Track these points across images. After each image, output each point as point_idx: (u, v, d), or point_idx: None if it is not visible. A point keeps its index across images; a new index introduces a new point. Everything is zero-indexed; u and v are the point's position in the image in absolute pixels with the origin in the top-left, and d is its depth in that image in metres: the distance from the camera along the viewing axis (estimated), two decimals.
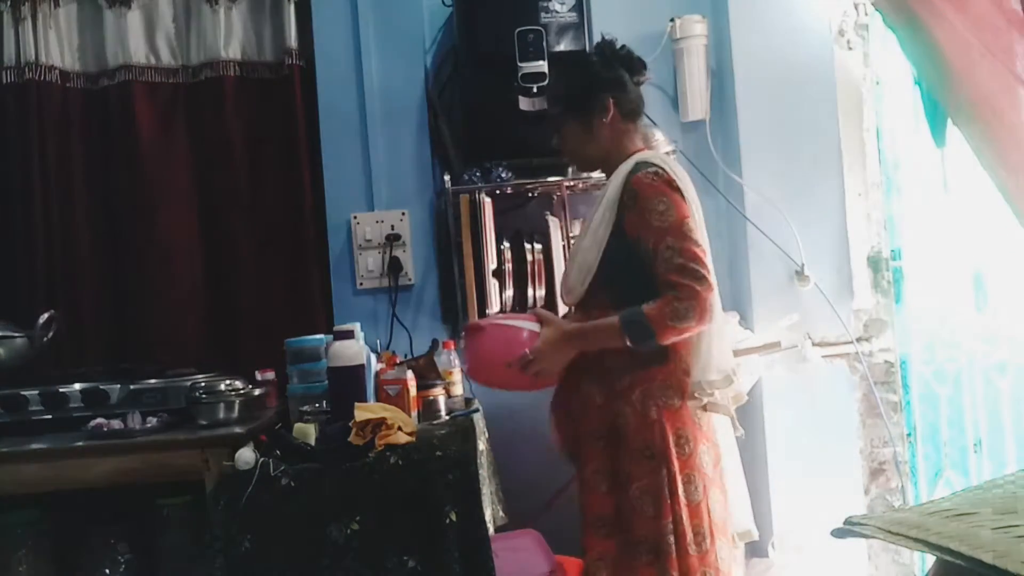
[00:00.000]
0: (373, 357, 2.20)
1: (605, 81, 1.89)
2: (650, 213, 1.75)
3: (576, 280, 1.86)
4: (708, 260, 1.76)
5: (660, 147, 2.52)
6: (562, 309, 2.23)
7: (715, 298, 1.78)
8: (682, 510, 1.74)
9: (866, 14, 2.77)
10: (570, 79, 1.98)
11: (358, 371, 1.87)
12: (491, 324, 2.03)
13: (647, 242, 1.76)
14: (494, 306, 2.47)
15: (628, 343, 1.73)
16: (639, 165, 1.81)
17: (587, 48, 2.53)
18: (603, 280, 1.82)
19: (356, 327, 2.14)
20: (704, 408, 1.83)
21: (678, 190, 1.79)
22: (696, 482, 1.76)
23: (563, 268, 2.13)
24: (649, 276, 1.75)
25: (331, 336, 1.99)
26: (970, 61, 2.14)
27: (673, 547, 1.72)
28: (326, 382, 2.04)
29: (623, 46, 1.95)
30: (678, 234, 1.74)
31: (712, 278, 1.74)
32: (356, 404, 1.81)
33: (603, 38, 1.97)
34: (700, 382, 1.81)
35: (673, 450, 1.75)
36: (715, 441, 1.85)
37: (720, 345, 1.86)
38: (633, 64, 1.93)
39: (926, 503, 1.12)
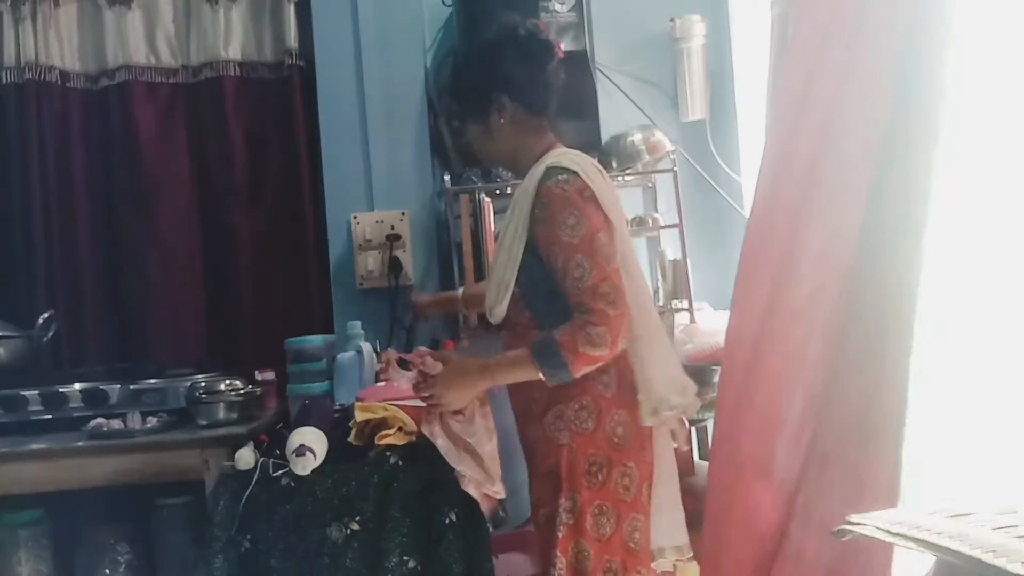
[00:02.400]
0: (374, 357, 2.21)
1: (500, 76, 1.70)
2: (559, 227, 1.58)
3: (494, 299, 1.69)
4: (622, 279, 1.59)
5: (656, 148, 2.53)
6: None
7: (651, 319, 1.67)
8: (589, 545, 1.59)
9: None
10: (462, 75, 1.81)
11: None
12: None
13: (555, 260, 1.59)
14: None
15: (539, 373, 1.57)
16: (549, 171, 1.62)
17: (588, 48, 2.53)
18: (523, 299, 1.67)
19: (356, 325, 2.15)
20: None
21: (591, 199, 1.60)
22: (608, 513, 1.60)
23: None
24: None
25: (331, 336, 1.99)
26: None
27: None
28: (326, 382, 2.04)
29: (527, 28, 1.72)
30: (588, 251, 1.56)
31: (626, 300, 1.57)
32: (357, 404, 1.81)
33: (504, 22, 1.75)
34: (663, 402, 1.64)
35: (582, 479, 1.60)
36: (640, 459, 1.66)
37: (668, 356, 1.72)
38: (537, 49, 1.71)
39: (926, 503, 1.12)
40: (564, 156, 1.67)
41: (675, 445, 1.78)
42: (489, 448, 1.75)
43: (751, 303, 1.76)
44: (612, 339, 1.54)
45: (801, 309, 1.69)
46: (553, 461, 1.63)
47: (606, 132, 2.56)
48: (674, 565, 1.77)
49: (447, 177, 2.54)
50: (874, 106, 1.62)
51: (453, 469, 1.68)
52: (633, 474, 1.64)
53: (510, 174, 2.52)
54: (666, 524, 1.71)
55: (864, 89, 1.63)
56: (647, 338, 1.66)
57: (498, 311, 1.69)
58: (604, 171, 1.73)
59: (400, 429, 1.77)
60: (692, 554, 1.76)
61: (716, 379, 2.37)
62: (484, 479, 1.68)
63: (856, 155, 1.65)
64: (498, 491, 1.70)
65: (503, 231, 1.72)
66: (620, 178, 2.62)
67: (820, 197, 1.70)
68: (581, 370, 1.57)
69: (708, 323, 2.53)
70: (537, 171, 1.65)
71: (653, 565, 1.70)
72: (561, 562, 1.58)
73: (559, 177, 1.61)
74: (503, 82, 1.70)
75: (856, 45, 1.63)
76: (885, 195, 1.62)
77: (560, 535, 1.59)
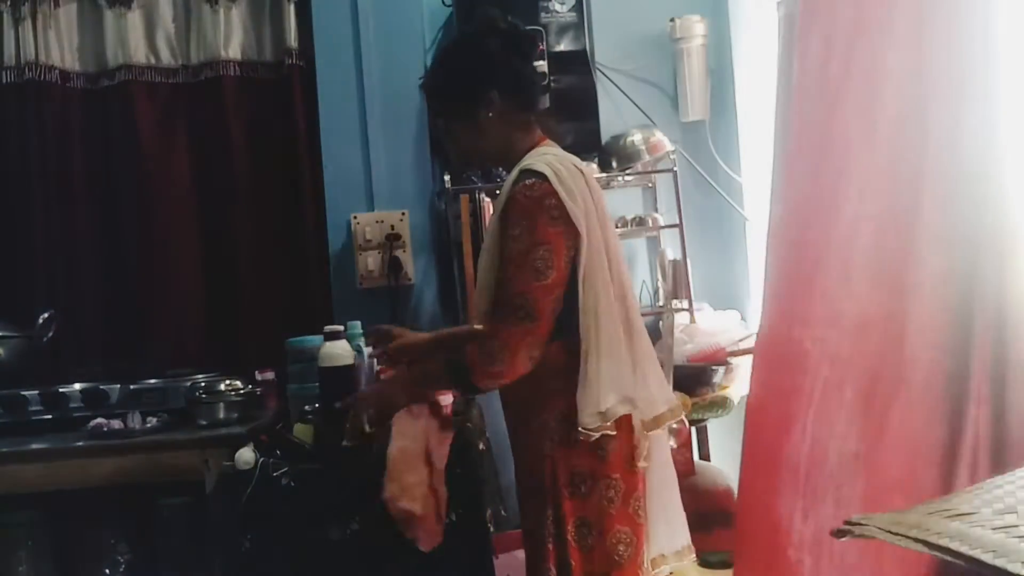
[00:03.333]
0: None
1: (486, 71, 1.64)
2: (508, 235, 1.53)
3: (479, 301, 1.63)
4: (550, 298, 1.51)
5: (657, 148, 2.53)
6: None
7: (613, 328, 1.56)
8: (572, 555, 1.55)
9: None
10: (447, 71, 1.73)
11: (346, 371, 1.85)
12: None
13: (500, 268, 1.56)
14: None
15: (452, 387, 1.59)
16: (521, 174, 1.56)
17: (588, 48, 2.53)
18: (494, 302, 1.59)
19: (356, 325, 2.15)
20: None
21: (552, 207, 1.52)
22: (591, 525, 1.56)
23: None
24: None
25: None
26: None
27: None
28: None
29: (508, 22, 1.68)
30: (521, 263, 1.51)
31: (546, 315, 1.50)
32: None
33: (484, 16, 1.70)
34: (646, 419, 1.59)
35: (564, 491, 1.56)
36: (627, 471, 1.59)
37: (657, 374, 1.65)
38: (521, 42, 1.67)
39: (926, 503, 1.12)
40: (541, 157, 1.59)
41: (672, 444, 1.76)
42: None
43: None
44: (511, 354, 1.50)
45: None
46: (538, 473, 1.59)
47: (606, 132, 2.56)
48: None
49: (447, 177, 2.54)
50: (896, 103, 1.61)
51: (453, 469, 1.68)
52: (618, 486, 1.58)
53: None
54: (665, 531, 1.68)
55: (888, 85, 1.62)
56: (589, 356, 1.55)
57: (482, 314, 1.62)
58: (585, 171, 1.63)
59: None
60: (694, 555, 1.74)
61: (716, 379, 2.38)
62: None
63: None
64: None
65: (486, 235, 1.69)
66: (620, 178, 2.62)
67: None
68: (487, 386, 1.55)
69: (708, 323, 2.53)
70: (513, 175, 1.60)
71: (655, 572, 1.66)
72: (551, 570, 1.56)
73: (526, 181, 1.55)
74: (491, 76, 1.64)
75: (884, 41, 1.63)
76: None
77: (549, 547, 1.56)
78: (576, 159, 1.66)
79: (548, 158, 1.59)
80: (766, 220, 1.93)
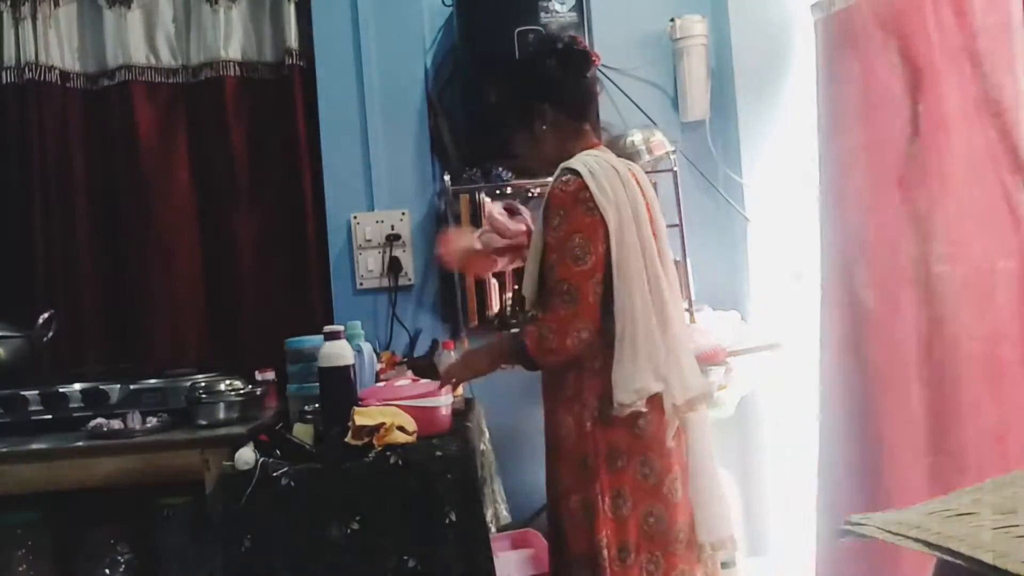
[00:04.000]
0: (374, 357, 2.21)
1: (540, 87, 1.82)
2: (549, 226, 1.71)
3: (526, 288, 1.84)
4: (590, 282, 1.67)
5: (657, 148, 2.53)
6: None
7: (633, 315, 1.67)
8: (607, 525, 1.69)
9: None
10: (505, 87, 1.92)
11: (347, 371, 1.86)
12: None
13: (545, 258, 1.73)
14: (494, 306, 2.48)
15: (513, 363, 1.76)
16: (560, 172, 1.75)
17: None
18: (543, 290, 1.77)
19: (356, 325, 2.15)
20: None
21: (584, 200, 1.68)
22: (625, 496, 1.70)
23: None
24: None
25: None
26: None
27: (607, 562, 1.68)
28: None
29: (565, 41, 1.85)
30: (560, 251, 1.68)
31: (588, 299, 1.66)
32: (355, 408, 1.81)
33: (541, 34, 1.91)
34: (678, 402, 1.70)
35: (604, 465, 1.70)
36: (661, 451, 1.73)
37: (690, 361, 1.77)
38: (575, 60, 1.83)
39: (926, 503, 1.12)
40: (580, 157, 1.75)
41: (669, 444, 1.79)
42: None
43: None
44: (560, 336, 1.67)
45: None
46: (581, 448, 1.71)
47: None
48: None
49: (447, 177, 2.54)
50: None
51: (453, 469, 1.69)
52: (653, 464, 1.72)
53: (510, 174, 2.53)
54: (705, 518, 1.76)
55: None
56: (623, 342, 1.68)
57: (530, 299, 1.82)
58: (623, 172, 1.76)
59: (400, 429, 1.77)
60: (735, 548, 1.81)
61: (716, 379, 2.38)
62: None
63: None
64: None
65: (534, 231, 1.86)
66: None
67: None
68: (546, 364, 1.73)
69: (708, 323, 2.53)
70: (556, 174, 1.76)
71: (704, 556, 1.76)
72: (606, 542, 1.68)
73: (563, 178, 1.72)
74: (544, 91, 1.81)
75: None
76: None
77: (598, 518, 1.68)
78: (619, 161, 1.80)
79: (587, 158, 1.75)
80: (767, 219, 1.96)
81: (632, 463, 1.71)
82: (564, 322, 1.66)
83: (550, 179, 2.48)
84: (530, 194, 2.66)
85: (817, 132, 2.24)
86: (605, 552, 1.67)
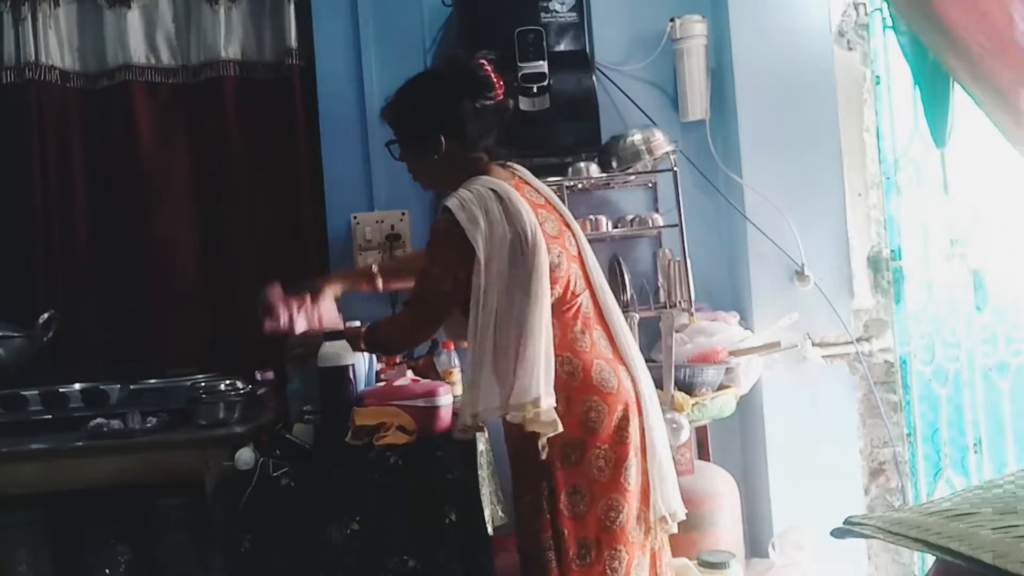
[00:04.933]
0: (374, 357, 2.20)
1: (436, 117, 1.80)
2: (427, 252, 1.81)
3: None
4: (439, 294, 1.77)
5: (657, 148, 2.52)
6: None
7: (485, 336, 1.70)
8: (565, 523, 1.69)
9: (866, 14, 2.77)
10: (400, 110, 1.87)
11: (346, 371, 1.87)
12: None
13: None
14: None
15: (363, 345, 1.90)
16: (442, 208, 1.77)
17: (588, 48, 2.52)
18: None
19: (356, 325, 2.14)
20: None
21: (454, 236, 1.71)
22: (583, 492, 1.69)
23: None
24: None
25: None
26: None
27: (554, 562, 1.68)
28: None
29: (470, 63, 1.80)
30: (421, 277, 1.81)
31: (433, 314, 1.82)
32: (355, 409, 1.81)
33: (449, 56, 1.91)
34: (466, 414, 1.71)
35: (557, 462, 1.69)
36: (616, 441, 1.71)
37: (482, 384, 1.71)
38: (475, 86, 1.78)
39: (926, 503, 1.12)
40: (459, 191, 1.76)
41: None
42: None
43: None
44: (397, 339, 1.90)
45: None
46: (532, 448, 1.68)
47: (606, 132, 2.56)
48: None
49: None
50: None
51: (453, 469, 1.69)
52: (609, 456, 1.71)
53: None
54: (663, 492, 1.75)
55: None
56: (476, 362, 1.70)
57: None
58: (508, 188, 1.75)
59: (400, 429, 1.77)
60: (676, 521, 1.79)
61: (716, 379, 2.38)
62: None
63: None
64: None
65: None
66: (620, 178, 2.62)
67: None
68: (388, 350, 2.03)
69: (708, 323, 2.53)
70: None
71: (665, 529, 1.76)
72: (552, 543, 1.68)
73: (440, 216, 1.77)
74: (440, 121, 1.80)
75: None
76: None
77: (548, 517, 1.69)
78: (493, 186, 1.75)
79: (462, 192, 1.75)
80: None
81: (586, 457, 1.70)
82: (403, 328, 1.87)
83: (550, 179, 2.51)
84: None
85: None
86: (550, 553, 1.68)
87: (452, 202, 1.74)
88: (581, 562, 1.68)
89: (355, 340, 1.90)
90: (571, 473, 1.69)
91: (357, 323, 2.10)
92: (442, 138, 1.80)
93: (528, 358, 1.66)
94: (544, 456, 1.68)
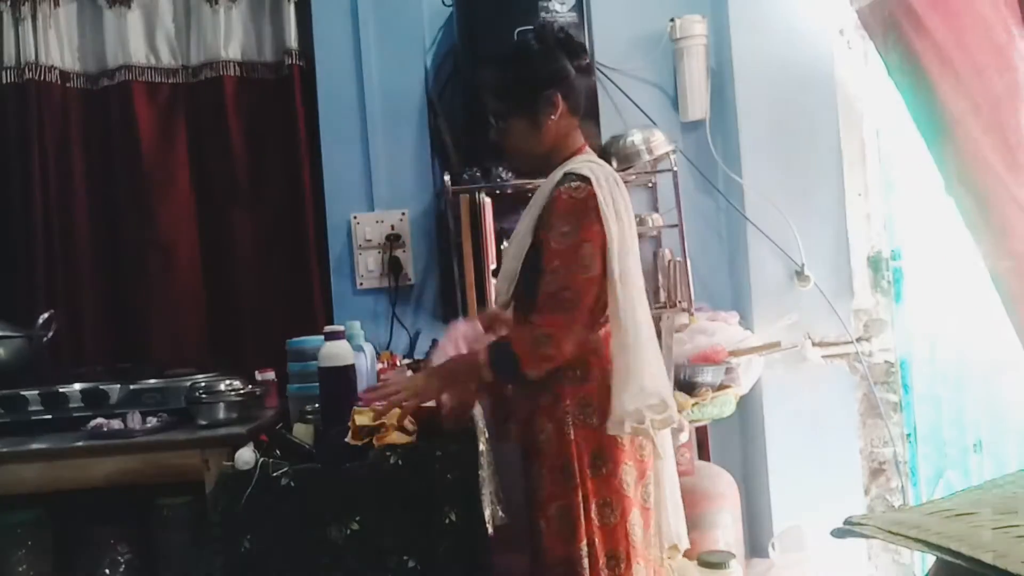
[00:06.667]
0: (374, 357, 2.20)
1: (551, 74, 1.74)
2: (553, 232, 1.66)
3: (502, 286, 1.80)
4: (593, 291, 1.65)
5: (657, 148, 2.52)
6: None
7: (640, 331, 1.65)
8: (595, 533, 1.67)
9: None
10: (515, 72, 1.79)
11: (347, 371, 1.86)
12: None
13: (542, 260, 1.67)
14: (494, 306, 2.47)
15: (490, 375, 1.66)
16: (566, 176, 1.69)
17: (588, 48, 2.52)
18: (520, 291, 1.75)
19: (356, 325, 2.15)
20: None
21: (593, 209, 1.65)
22: (613, 505, 1.68)
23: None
24: None
25: None
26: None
27: (587, 571, 1.66)
28: None
29: (561, 28, 1.80)
30: (568, 260, 1.64)
31: (584, 308, 1.65)
32: (355, 408, 1.81)
33: (541, 23, 1.82)
34: (635, 409, 1.64)
35: (588, 471, 1.68)
36: (640, 457, 1.73)
37: (651, 370, 1.69)
38: (573, 48, 1.77)
39: (926, 503, 1.12)
40: (584, 163, 1.72)
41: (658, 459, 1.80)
42: None
43: None
44: (557, 343, 1.63)
45: None
46: (566, 455, 1.68)
47: (606, 132, 2.56)
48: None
49: (447, 177, 2.54)
50: None
51: (453, 469, 1.69)
52: (632, 472, 1.71)
53: (511, 174, 2.52)
54: (676, 520, 1.80)
55: None
56: (631, 349, 1.66)
57: (502, 301, 1.79)
58: (621, 181, 1.74)
59: (400, 429, 1.77)
60: (680, 554, 1.84)
61: (716, 379, 2.38)
62: None
63: None
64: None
65: (518, 225, 1.80)
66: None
67: None
68: (534, 372, 1.65)
69: (708, 323, 2.53)
70: (556, 174, 1.72)
71: (669, 560, 1.78)
72: (587, 550, 1.66)
73: (571, 183, 1.67)
74: (556, 79, 1.74)
75: None
76: None
77: (582, 526, 1.66)
78: (612, 170, 1.76)
79: (590, 164, 1.72)
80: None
81: (616, 471, 1.69)
82: (562, 328, 1.63)
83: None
84: (530, 195, 2.65)
85: None
86: (586, 561, 1.65)
87: (585, 171, 1.67)
88: (611, 573, 1.67)
89: (470, 371, 1.71)
90: (601, 484, 1.68)
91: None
92: (559, 96, 1.73)
93: (651, 360, 1.67)
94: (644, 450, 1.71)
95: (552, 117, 1.74)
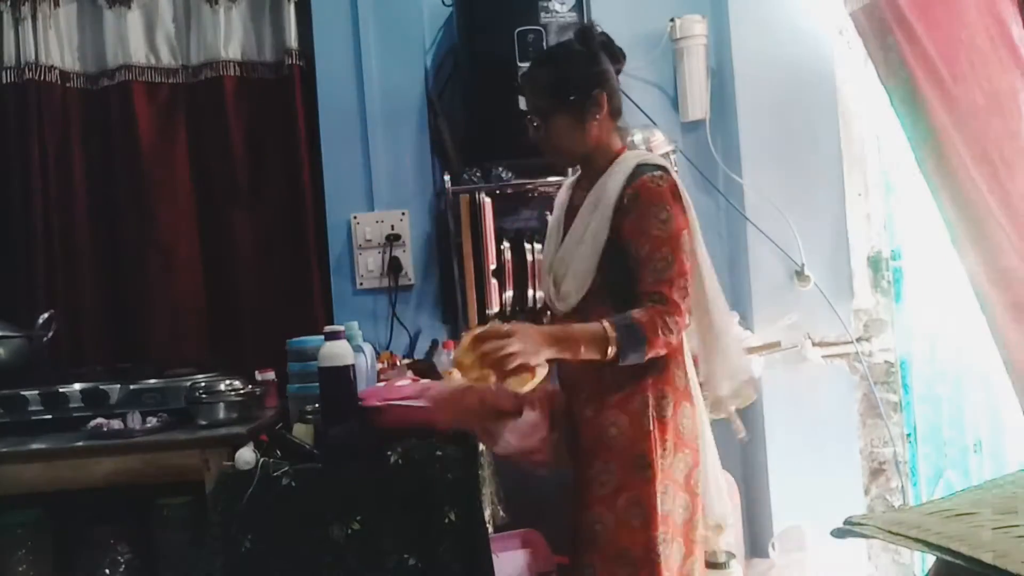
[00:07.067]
0: (374, 357, 2.20)
1: (598, 74, 1.78)
2: (649, 220, 1.67)
3: (571, 287, 1.75)
4: (694, 278, 1.73)
5: (657, 148, 2.53)
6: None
7: (722, 317, 1.80)
8: (660, 521, 1.70)
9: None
10: (565, 71, 1.80)
11: (347, 371, 1.85)
12: (387, 404, 1.88)
13: (640, 248, 1.67)
14: (494, 306, 2.47)
15: (613, 351, 1.60)
16: (642, 167, 1.72)
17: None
18: (602, 286, 1.72)
19: (354, 326, 2.15)
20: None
21: (680, 198, 1.72)
22: (671, 492, 1.71)
23: (543, 275, 1.91)
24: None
25: None
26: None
27: (662, 556, 1.67)
28: None
29: (602, 32, 1.85)
30: (675, 246, 1.67)
31: (691, 298, 1.69)
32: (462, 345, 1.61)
33: (587, 26, 1.85)
34: (733, 389, 1.80)
35: (659, 460, 1.70)
36: (694, 448, 1.77)
37: (737, 349, 1.85)
38: (614, 52, 1.83)
39: (926, 503, 1.12)
40: (652, 157, 1.79)
41: (740, 436, 1.97)
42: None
43: None
44: (679, 330, 1.66)
45: None
46: (642, 446, 1.70)
47: None
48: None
49: (447, 177, 2.54)
50: None
51: (453, 469, 1.69)
52: (689, 460, 1.76)
53: (510, 174, 2.53)
54: (719, 499, 1.83)
55: None
56: (716, 335, 1.79)
57: (572, 299, 1.75)
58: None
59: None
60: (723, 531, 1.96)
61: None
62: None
63: None
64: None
65: (579, 225, 1.77)
66: None
67: None
68: (652, 354, 1.64)
69: None
70: (624, 167, 1.74)
71: (720, 539, 1.88)
72: (661, 536, 1.68)
73: (654, 173, 1.70)
74: (602, 79, 1.78)
75: None
76: None
77: (657, 514, 1.68)
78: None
79: (660, 158, 1.79)
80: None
81: (676, 458, 1.73)
82: (682, 315, 1.65)
83: (551, 178, 2.51)
84: (530, 195, 2.66)
85: None
86: (660, 548, 1.67)
87: (660, 162, 1.75)
88: (659, 555, 1.69)
89: (592, 342, 1.61)
90: (665, 473, 1.71)
91: None
92: (604, 96, 1.77)
93: (731, 343, 1.83)
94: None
95: (597, 117, 1.77)
